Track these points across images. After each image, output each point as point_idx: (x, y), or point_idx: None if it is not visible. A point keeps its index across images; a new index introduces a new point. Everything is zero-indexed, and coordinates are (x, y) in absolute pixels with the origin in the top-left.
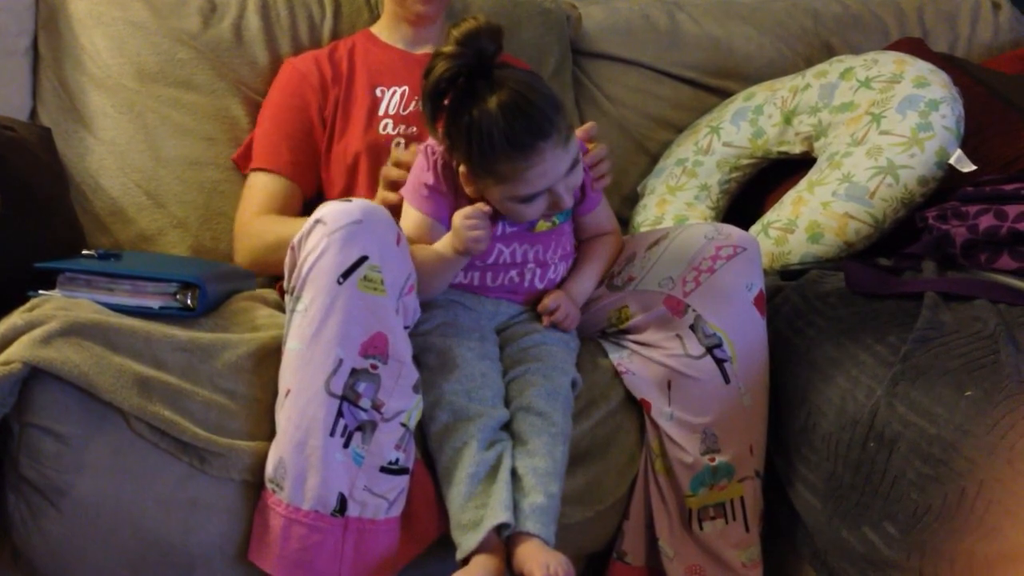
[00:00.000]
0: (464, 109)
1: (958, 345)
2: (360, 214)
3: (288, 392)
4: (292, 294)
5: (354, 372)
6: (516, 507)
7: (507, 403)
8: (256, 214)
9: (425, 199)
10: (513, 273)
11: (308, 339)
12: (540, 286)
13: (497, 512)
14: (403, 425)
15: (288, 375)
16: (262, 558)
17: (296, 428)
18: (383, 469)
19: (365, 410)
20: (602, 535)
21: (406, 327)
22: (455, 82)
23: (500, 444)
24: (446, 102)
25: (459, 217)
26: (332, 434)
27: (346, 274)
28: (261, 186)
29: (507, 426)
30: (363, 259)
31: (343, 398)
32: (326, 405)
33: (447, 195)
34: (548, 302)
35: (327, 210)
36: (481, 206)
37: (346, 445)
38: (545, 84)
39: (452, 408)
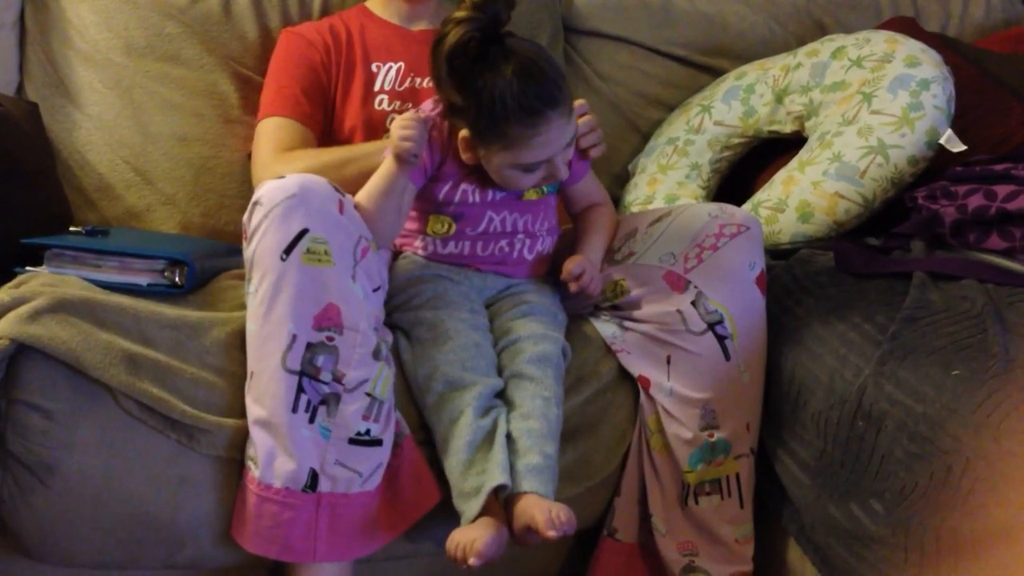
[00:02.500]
0: (476, 74)
1: (946, 324)
2: (296, 188)
3: (252, 374)
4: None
5: (310, 347)
6: (512, 469)
7: (499, 373)
8: (276, 151)
9: None
10: (503, 243)
11: (261, 319)
12: (529, 257)
13: (495, 475)
14: (369, 395)
15: (250, 357)
16: (240, 535)
17: (260, 408)
18: (353, 441)
19: (327, 383)
20: (592, 512)
21: (376, 289)
22: (468, 47)
23: (495, 411)
24: (456, 66)
25: (396, 120)
26: (295, 410)
27: (288, 249)
28: (275, 127)
29: (500, 395)
30: (303, 232)
31: (302, 373)
32: (285, 382)
33: (429, 154)
34: (572, 267)
35: (263, 190)
36: (421, 115)
37: (311, 420)
38: (551, 57)
39: (446, 379)
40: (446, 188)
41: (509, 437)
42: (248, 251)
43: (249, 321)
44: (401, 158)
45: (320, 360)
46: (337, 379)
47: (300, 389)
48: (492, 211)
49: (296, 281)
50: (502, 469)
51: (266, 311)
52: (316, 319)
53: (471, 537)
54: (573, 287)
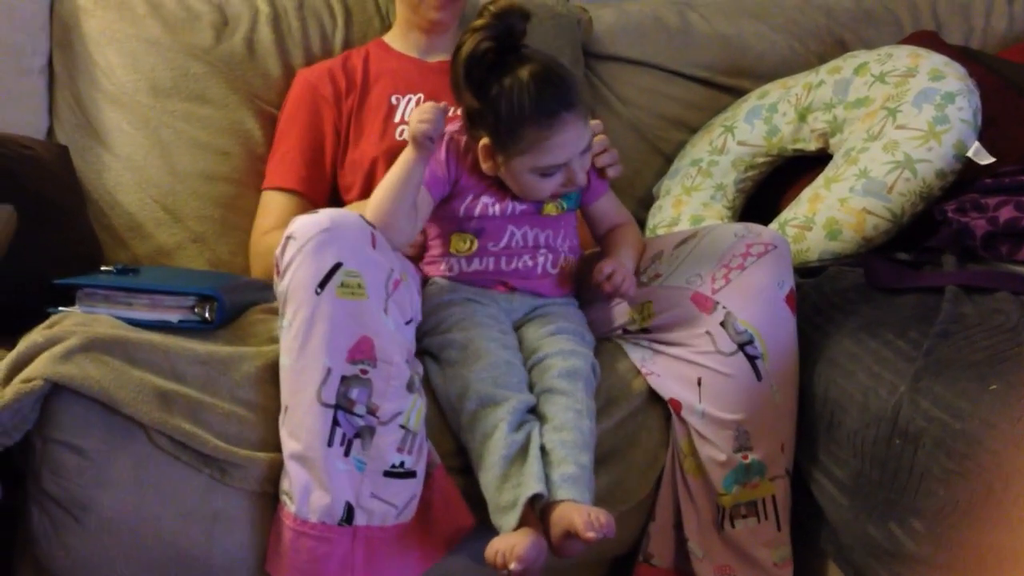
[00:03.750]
0: (493, 80)
1: (980, 338)
2: (328, 222)
3: (286, 408)
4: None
5: (344, 380)
6: (548, 480)
7: (530, 390)
8: (267, 232)
9: None
10: (526, 257)
11: (295, 352)
12: (553, 272)
13: (530, 485)
14: (403, 427)
15: (284, 391)
16: (276, 569)
17: (296, 442)
18: (387, 473)
19: (361, 416)
20: (627, 537)
21: (409, 322)
22: (485, 55)
23: (528, 424)
24: (473, 72)
25: (415, 110)
26: (331, 444)
27: (323, 283)
28: (274, 205)
29: (532, 411)
30: (338, 266)
31: (337, 407)
32: (321, 416)
33: (443, 163)
34: (604, 266)
35: (296, 224)
36: (440, 104)
37: (347, 453)
38: (566, 64)
39: (479, 396)
40: (466, 202)
41: (543, 450)
42: (281, 285)
43: (283, 355)
44: (417, 141)
45: (354, 393)
46: (371, 412)
47: (335, 422)
48: (513, 225)
49: (330, 315)
50: (537, 479)
51: (301, 345)
52: (350, 352)
53: (511, 543)
54: (607, 287)
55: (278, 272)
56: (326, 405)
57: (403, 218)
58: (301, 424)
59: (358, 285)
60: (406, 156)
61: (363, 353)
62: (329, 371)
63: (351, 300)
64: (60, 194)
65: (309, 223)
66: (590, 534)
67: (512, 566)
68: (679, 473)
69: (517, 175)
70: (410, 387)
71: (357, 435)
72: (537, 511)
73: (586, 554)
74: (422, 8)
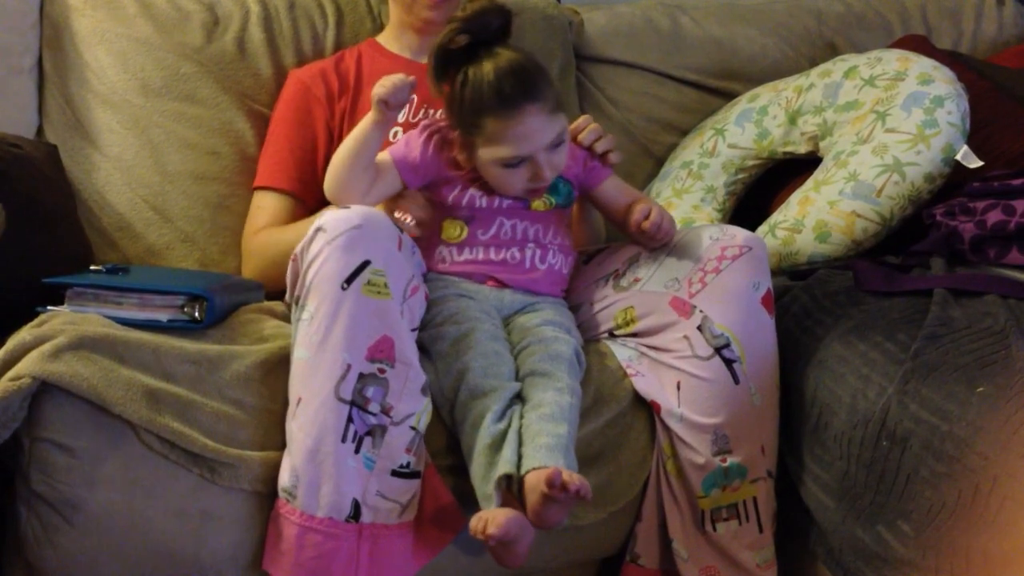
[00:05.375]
0: (460, 70)
1: (968, 341)
2: (360, 220)
3: (299, 401)
4: (297, 303)
5: (362, 377)
6: (523, 457)
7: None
8: (258, 231)
9: (397, 144)
10: (514, 250)
11: (315, 346)
12: (541, 267)
13: (501, 467)
14: (412, 428)
15: (297, 384)
16: (277, 567)
17: (307, 436)
18: (394, 473)
19: (374, 414)
20: (615, 538)
21: (413, 329)
22: (458, 46)
23: (510, 410)
24: (442, 61)
25: (382, 78)
26: (344, 440)
27: (349, 279)
28: (266, 205)
29: (519, 396)
30: (366, 264)
31: (352, 403)
32: (337, 411)
33: (419, 149)
34: (641, 208)
35: (327, 218)
36: (410, 78)
37: (357, 450)
38: (542, 63)
39: (469, 386)
40: (454, 192)
41: (522, 430)
42: (303, 276)
43: (299, 348)
44: (373, 102)
45: (370, 391)
46: (385, 411)
47: (349, 419)
48: (503, 216)
49: (354, 312)
50: (507, 461)
51: (321, 339)
52: (370, 350)
53: (494, 513)
54: (648, 225)
55: (299, 261)
56: (342, 401)
57: (352, 176)
58: (315, 418)
59: (384, 284)
60: (366, 118)
61: (383, 352)
62: (349, 367)
63: (376, 299)
64: (50, 194)
65: (341, 218)
66: (561, 479)
67: (490, 530)
68: (663, 474)
69: (484, 167)
70: (424, 390)
71: (368, 433)
72: (515, 492)
73: (573, 555)
74: (416, 7)
